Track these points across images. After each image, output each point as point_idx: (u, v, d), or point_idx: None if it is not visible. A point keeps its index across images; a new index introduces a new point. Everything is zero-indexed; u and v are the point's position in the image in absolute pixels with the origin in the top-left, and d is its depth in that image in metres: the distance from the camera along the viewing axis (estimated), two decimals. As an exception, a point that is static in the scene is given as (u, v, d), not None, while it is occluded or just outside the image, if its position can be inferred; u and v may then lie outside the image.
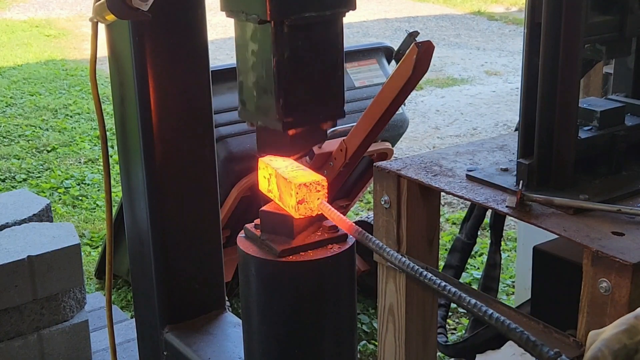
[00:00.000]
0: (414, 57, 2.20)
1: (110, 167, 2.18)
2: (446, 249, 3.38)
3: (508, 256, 4.13)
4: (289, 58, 1.55)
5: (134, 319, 2.49)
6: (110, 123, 4.32)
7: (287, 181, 1.58)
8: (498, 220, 2.55)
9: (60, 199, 4.94)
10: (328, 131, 1.78)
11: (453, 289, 1.14)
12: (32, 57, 8.70)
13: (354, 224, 1.47)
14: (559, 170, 1.77)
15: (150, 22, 1.82)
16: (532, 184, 1.77)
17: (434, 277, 1.18)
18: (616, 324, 0.92)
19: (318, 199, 1.57)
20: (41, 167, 5.47)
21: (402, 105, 3.03)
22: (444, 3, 12.30)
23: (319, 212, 1.58)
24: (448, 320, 3.36)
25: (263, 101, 1.60)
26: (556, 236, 1.62)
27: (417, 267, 1.24)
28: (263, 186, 1.70)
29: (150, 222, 2.13)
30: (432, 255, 1.96)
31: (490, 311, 1.06)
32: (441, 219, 4.33)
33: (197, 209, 2.19)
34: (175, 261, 2.19)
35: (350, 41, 8.90)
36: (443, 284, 1.17)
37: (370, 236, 1.41)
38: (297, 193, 1.55)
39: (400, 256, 1.29)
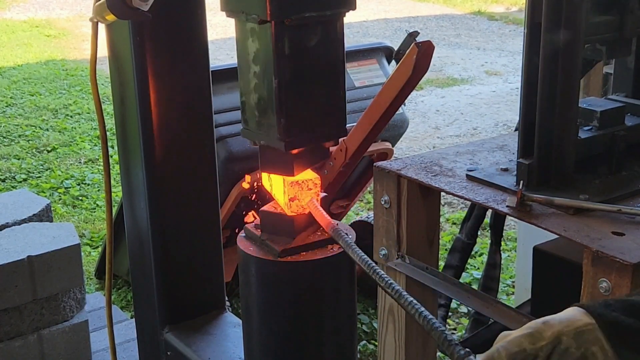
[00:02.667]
0: (414, 57, 2.20)
1: (110, 167, 2.18)
2: (446, 249, 3.38)
3: (508, 256, 4.13)
4: (290, 79, 1.56)
5: (134, 319, 2.49)
6: (110, 123, 4.32)
7: (281, 178, 1.61)
8: (498, 220, 2.56)
9: (60, 199, 4.94)
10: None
11: (395, 286, 1.13)
12: (32, 57, 8.69)
13: (332, 221, 1.48)
14: (559, 170, 1.78)
15: (150, 22, 1.82)
16: (532, 184, 1.77)
17: (384, 275, 1.18)
18: (524, 327, 0.89)
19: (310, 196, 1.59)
20: (41, 167, 5.47)
21: (402, 105, 3.03)
22: (444, 3, 12.30)
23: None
24: (448, 320, 3.35)
25: (265, 121, 1.61)
26: (556, 236, 1.62)
27: (373, 264, 1.23)
28: (265, 183, 1.71)
29: (150, 222, 2.13)
30: (432, 255, 1.96)
31: (419, 308, 1.03)
32: (441, 219, 4.33)
33: (197, 209, 2.19)
34: (175, 261, 2.19)
35: (350, 41, 8.89)
36: (387, 279, 1.15)
37: (344, 234, 1.40)
38: (288, 190, 1.58)
39: (367, 258, 1.28)
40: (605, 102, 1.96)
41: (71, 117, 6.59)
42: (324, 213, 1.54)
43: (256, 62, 1.58)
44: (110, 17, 1.84)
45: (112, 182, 2.27)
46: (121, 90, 2.11)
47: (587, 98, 2.15)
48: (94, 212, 4.77)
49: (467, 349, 0.89)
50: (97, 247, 4.32)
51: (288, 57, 1.54)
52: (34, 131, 6.19)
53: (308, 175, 1.61)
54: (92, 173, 5.33)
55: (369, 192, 4.46)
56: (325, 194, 1.69)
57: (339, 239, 1.42)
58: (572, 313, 0.88)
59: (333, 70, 1.63)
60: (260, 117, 1.61)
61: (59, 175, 5.29)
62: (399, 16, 11.34)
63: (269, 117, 1.59)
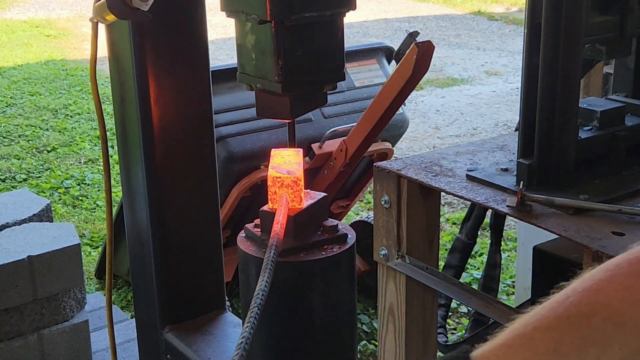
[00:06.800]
0: (414, 57, 2.21)
1: (110, 167, 2.18)
2: (446, 249, 3.38)
3: (508, 256, 4.13)
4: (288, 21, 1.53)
5: (134, 319, 2.49)
6: (110, 123, 4.33)
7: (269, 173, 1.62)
8: (498, 220, 2.56)
9: (60, 199, 4.94)
10: (329, 131, 1.78)
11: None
12: (32, 57, 8.69)
13: (278, 232, 1.46)
14: (559, 170, 1.78)
15: (150, 22, 1.82)
16: (532, 184, 1.77)
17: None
18: None
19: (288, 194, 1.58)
20: (41, 167, 5.47)
21: (402, 105, 3.03)
22: (444, 3, 12.30)
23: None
24: (448, 320, 3.36)
25: (262, 63, 1.58)
26: (556, 236, 1.62)
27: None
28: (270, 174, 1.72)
29: (150, 222, 2.13)
30: (432, 255, 1.96)
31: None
32: (441, 219, 4.33)
33: (197, 209, 2.19)
34: (175, 261, 2.19)
35: (350, 41, 8.89)
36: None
37: (272, 250, 1.39)
38: (270, 185, 1.59)
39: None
40: (605, 102, 1.96)
41: (71, 117, 6.59)
42: (282, 218, 1.52)
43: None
44: (110, 17, 1.84)
45: (112, 182, 2.27)
46: (121, 90, 2.11)
47: (587, 98, 2.15)
48: (94, 212, 4.78)
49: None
50: (97, 247, 4.32)
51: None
52: (34, 131, 6.19)
53: (289, 175, 1.60)
54: (92, 173, 5.34)
55: (369, 192, 4.46)
56: (324, 194, 1.67)
57: (268, 250, 1.39)
58: None
59: (332, 12, 1.60)
60: (257, 60, 1.58)
61: (59, 175, 5.29)
62: (399, 16, 11.35)
63: (266, 58, 1.56)
